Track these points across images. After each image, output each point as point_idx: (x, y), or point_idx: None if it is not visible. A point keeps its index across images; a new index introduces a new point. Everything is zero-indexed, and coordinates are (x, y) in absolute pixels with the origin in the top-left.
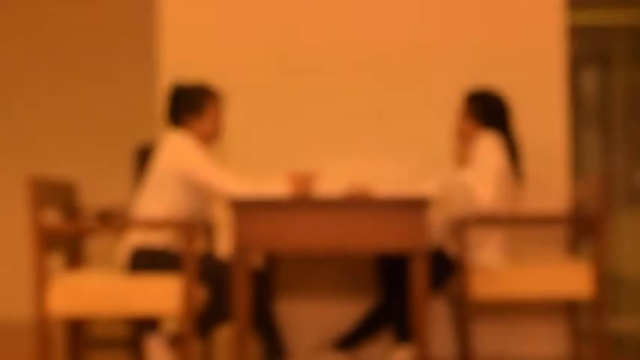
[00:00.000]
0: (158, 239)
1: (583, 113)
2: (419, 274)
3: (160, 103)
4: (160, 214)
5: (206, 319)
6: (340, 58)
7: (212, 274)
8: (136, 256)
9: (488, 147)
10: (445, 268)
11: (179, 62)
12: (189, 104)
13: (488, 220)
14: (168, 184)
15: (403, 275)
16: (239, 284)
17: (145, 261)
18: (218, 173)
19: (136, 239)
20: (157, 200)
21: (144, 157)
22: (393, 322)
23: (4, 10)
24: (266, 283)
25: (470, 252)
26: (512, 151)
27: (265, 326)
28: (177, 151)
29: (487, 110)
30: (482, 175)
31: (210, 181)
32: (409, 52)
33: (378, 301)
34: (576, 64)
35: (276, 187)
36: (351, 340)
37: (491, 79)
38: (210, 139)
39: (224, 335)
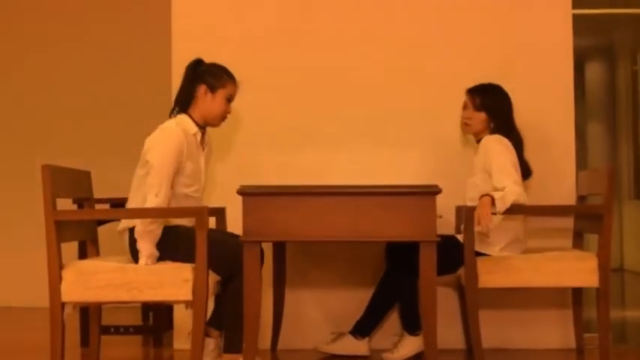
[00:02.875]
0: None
1: (589, 105)
2: (427, 263)
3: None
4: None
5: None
6: (351, 54)
7: (225, 255)
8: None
9: (499, 149)
10: (459, 255)
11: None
12: (209, 78)
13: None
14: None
15: (407, 256)
16: (250, 273)
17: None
18: (166, 194)
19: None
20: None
21: None
22: (402, 309)
23: (21, 4)
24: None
25: (479, 242)
26: (520, 146)
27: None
28: (159, 142)
29: (489, 101)
30: (508, 176)
31: (150, 189)
32: (419, 45)
33: (381, 282)
34: (582, 56)
35: (145, 258)
36: (365, 325)
37: (499, 72)
38: (210, 122)
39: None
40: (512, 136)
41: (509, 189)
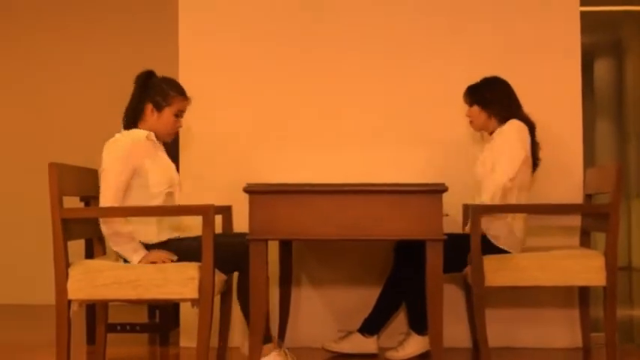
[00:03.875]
0: None
1: (597, 103)
2: (434, 261)
3: None
4: None
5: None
6: (356, 53)
7: (232, 250)
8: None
9: (512, 136)
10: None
11: (195, 59)
12: (155, 96)
13: (504, 209)
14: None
15: (415, 253)
16: (257, 271)
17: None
18: (114, 195)
19: None
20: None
21: None
22: (409, 308)
23: (29, 4)
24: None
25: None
26: (532, 131)
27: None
28: (109, 151)
29: (478, 94)
30: (509, 160)
31: (103, 192)
32: (424, 43)
33: (389, 280)
34: (590, 53)
35: (131, 256)
36: (373, 323)
37: (506, 69)
38: (159, 138)
39: (240, 319)
40: (520, 120)
41: (487, 197)
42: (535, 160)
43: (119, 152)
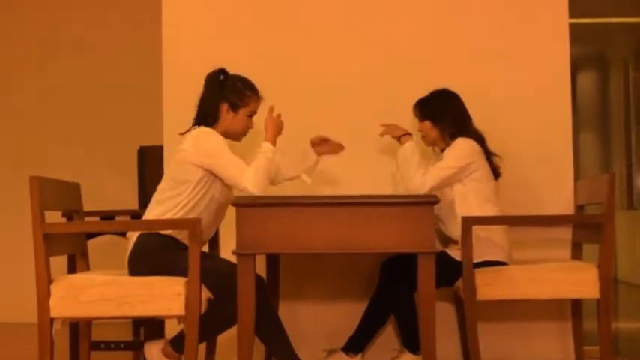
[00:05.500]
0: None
1: (581, 115)
2: (426, 275)
3: (164, 107)
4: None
5: (209, 323)
6: (350, 58)
7: (216, 275)
8: (141, 237)
9: (449, 153)
10: (450, 269)
11: (180, 71)
12: (231, 96)
13: (494, 221)
14: (185, 183)
15: (402, 271)
16: (244, 287)
17: (151, 242)
18: (240, 169)
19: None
20: (171, 204)
21: (142, 158)
22: (400, 325)
23: (16, 13)
24: (265, 286)
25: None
26: (482, 144)
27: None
28: (201, 143)
29: (428, 109)
30: (437, 166)
31: (232, 177)
32: (415, 54)
33: (374, 298)
34: (574, 65)
35: (269, 152)
36: (357, 341)
37: (496, 80)
38: (231, 139)
39: (226, 337)
40: (469, 136)
41: (431, 173)
42: (494, 170)
43: (219, 137)
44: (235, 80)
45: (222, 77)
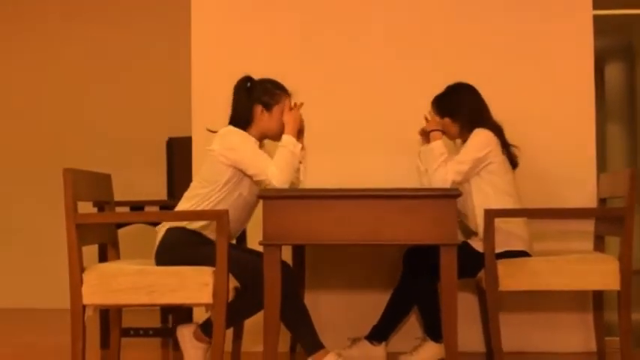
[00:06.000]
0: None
1: (608, 107)
2: (448, 267)
3: (193, 99)
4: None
5: (236, 310)
6: (372, 58)
7: (243, 265)
8: (169, 232)
9: (474, 140)
10: (473, 260)
11: (209, 62)
12: (263, 97)
13: (516, 213)
14: (214, 182)
15: (425, 262)
16: (270, 277)
17: (178, 236)
18: (265, 164)
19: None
20: (198, 199)
21: (171, 149)
22: (424, 315)
23: (41, 4)
24: (293, 274)
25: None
26: (500, 135)
27: (299, 319)
28: (227, 140)
29: (445, 105)
30: (455, 159)
31: (258, 172)
32: (437, 48)
33: (398, 288)
34: (601, 57)
35: (290, 145)
36: (381, 330)
37: (518, 74)
38: (270, 138)
39: (253, 323)
40: (486, 127)
41: (452, 168)
42: (512, 160)
43: (245, 134)
44: (263, 82)
45: (249, 84)
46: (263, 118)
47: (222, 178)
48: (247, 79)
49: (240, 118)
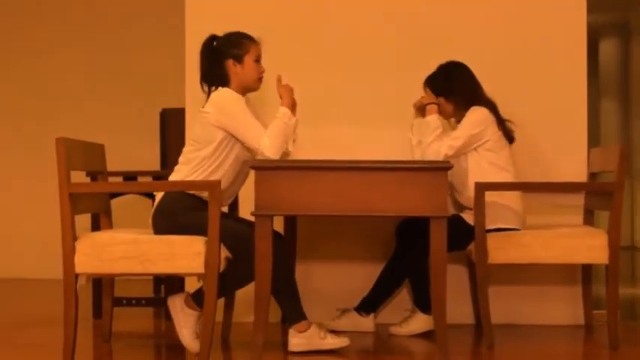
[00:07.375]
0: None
1: (602, 83)
2: (438, 239)
3: (186, 71)
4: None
5: (227, 280)
6: (366, 31)
7: (235, 236)
8: (167, 195)
9: (470, 117)
10: (464, 233)
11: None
12: (231, 50)
13: (506, 187)
14: (208, 143)
15: (418, 236)
16: (262, 247)
17: (175, 199)
18: (258, 134)
19: None
20: (196, 163)
21: (164, 120)
22: (414, 288)
23: None
24: (285, 246)
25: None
26: (494, 112)
27: (286, 289)
28: (222, 106)
29: (439, 85)
30: (451, 135)
31: (250, 141)
32: (432, 27)
33: (391, 261)
34: (596, 33)
35: (285, 117)
36: (371, 302)
37: (511, 51)
38: (250, 89)
39: (244, 294)
40: (481, 104)
41: (446, 142)
42: (508, 135)
43: (240, 99)
44: (228, 36)
45: (215, 43)
46: (237, 71)
47: (215, 139)
48: (213, 37)
49: (215, 77)
